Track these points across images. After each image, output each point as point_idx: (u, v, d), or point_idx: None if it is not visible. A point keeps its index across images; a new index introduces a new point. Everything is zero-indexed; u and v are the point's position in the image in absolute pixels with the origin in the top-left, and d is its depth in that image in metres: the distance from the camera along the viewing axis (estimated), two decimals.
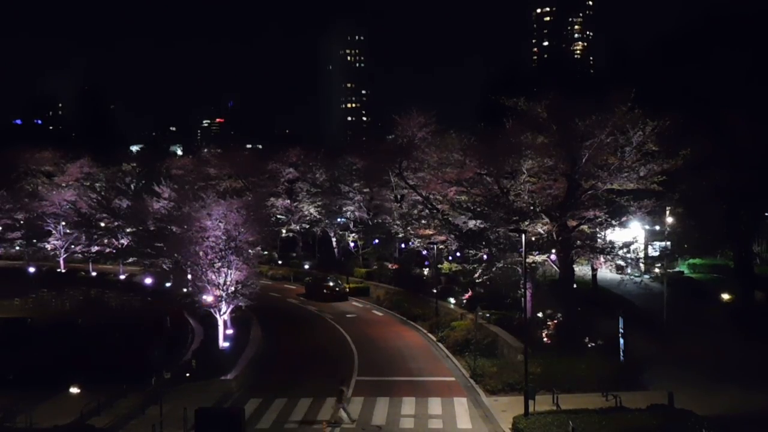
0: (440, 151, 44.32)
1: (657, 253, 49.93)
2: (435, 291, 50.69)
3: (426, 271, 62.88)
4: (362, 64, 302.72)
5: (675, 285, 48.75)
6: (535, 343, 35.31)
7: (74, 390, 30.84)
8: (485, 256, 40.93)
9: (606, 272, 54.37)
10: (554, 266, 40.01)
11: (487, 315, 42.70)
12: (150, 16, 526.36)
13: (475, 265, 40.93)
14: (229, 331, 42.52)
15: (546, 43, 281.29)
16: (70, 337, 43.56)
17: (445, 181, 42.96)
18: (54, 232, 76.76)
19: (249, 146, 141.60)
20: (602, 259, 40.03)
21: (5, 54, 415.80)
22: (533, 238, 38.35)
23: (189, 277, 45.97)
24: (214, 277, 40.52)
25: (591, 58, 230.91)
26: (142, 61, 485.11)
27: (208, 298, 40.83)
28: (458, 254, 54.83)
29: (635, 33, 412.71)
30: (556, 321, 39.43)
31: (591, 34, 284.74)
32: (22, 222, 79.19)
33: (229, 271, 40.69)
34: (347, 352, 41.95)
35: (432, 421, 28.75)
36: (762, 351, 35.81)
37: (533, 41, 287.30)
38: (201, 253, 41.14)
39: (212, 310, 41.10)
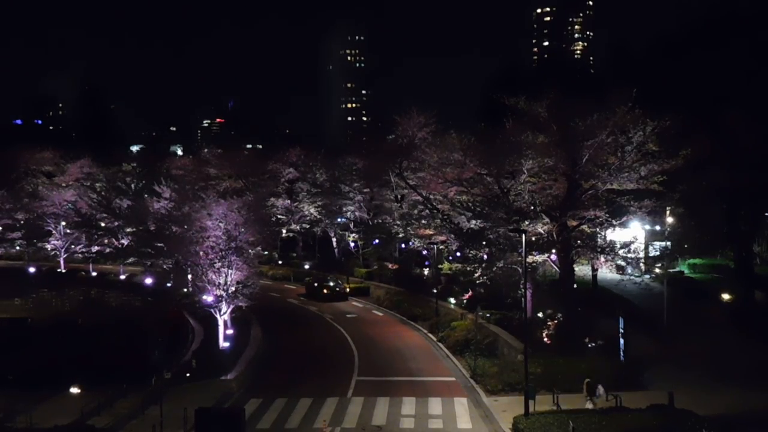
0: (440, 151, 44.29)
1: (657, 253, 49.82)
2: (435, 291, 50.68)
3: (426, 271, 62.87)
4: (362, 64, 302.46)
5: (675, 285, 48.73)
6: (535, 343, 35.31)
7: (74, 390, 30.86)
8: (485, 256, 40.92)
9: (606, 272, 54.34)
10: (554, 266, 39.99)
11: (487, 315, 42.71)
12: (150, 16, 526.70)
13: (475, 265, 40.91)
14: (230, 331, 42.53)
15: (546, 43, 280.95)
16: (70, 337, 43.54)
17: (445, 181, 42.95)
18: (54, 232, 76.80)
19: (249, 146, 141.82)
20: (602, 259, 40.02)
21: (5, 54, 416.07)
22: (533, 238, 38.34)
23: (189, 277, 46.11)
24: (214, 277, 40.54)
25: (591, 58, 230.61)
26: (142, 61, 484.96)
27: (209, 298, 40.84)
28: (458, 254, 54.82)
29: (635, 33, 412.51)
30: (556, 321, 39.41)
31: (591, 34, 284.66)
32: (22, 222, 79.22)
33: (230, 271, 40.72)
34: (347, 352, 41.96)
35: (432, 421, 28.77)
36: (762, 351, 35.82)
37: (533, 41, 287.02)
38: (201, 253, 41.19)
39: (212, 310, 41.11)
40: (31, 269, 77.52)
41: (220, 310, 40.82)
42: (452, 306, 49.84)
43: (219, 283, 40.53)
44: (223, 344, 41.04)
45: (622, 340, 34.28)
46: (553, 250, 38.63)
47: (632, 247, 39.37)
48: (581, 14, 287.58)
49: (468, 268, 43.46)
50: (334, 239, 78.98)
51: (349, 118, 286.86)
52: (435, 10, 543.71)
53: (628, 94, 35.50)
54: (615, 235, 43.49)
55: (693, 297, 49.20)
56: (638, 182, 36.98)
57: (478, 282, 43.30)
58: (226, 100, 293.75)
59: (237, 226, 41.11)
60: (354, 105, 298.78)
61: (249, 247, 42.59)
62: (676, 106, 38.01)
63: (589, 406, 27.87)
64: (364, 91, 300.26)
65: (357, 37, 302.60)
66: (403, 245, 69.33)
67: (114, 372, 32.87)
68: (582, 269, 50.90)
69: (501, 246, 38.66)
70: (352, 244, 78.26)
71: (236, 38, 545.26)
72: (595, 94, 37.94)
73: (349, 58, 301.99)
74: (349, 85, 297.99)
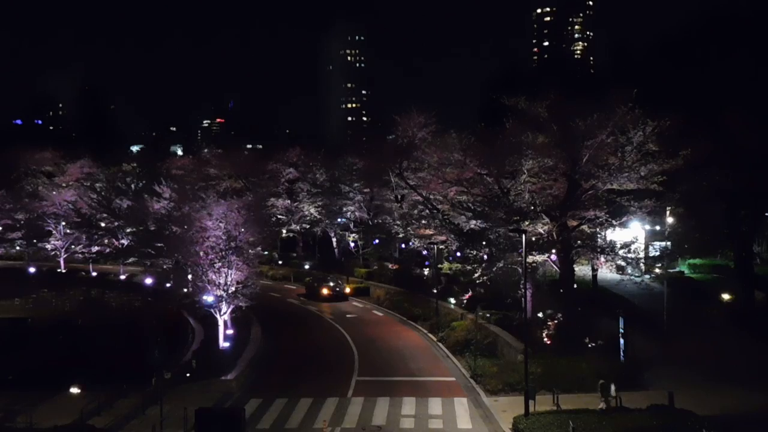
0: (440, 151, 44.31)
1: (657, 253, 49.78)
2: (435, 291, 50.67)
3: (426, 271, 62.87)
4: (362, 64, 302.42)
5: (675, 285, 48.66)
6: (536, 343, 35.31)
7: (74, 390, 30.90)
8: (485, 256, 40.92)
9: (606, 272, 54.22)
10: (554, 266, 39.99)
11: (487, 315, 42.70)
12: (151, 16, 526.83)
13: (475, 265, 40.92)
14: (230, 331, 42.53)
15: (546, 43, 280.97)
16: (70, 337, 43.60)
17: (445, 181, 42.96)
18: (54, 232, 76.83)
19: (249, 146, 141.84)
20: (602, 259, 40.00)
21: (5, 54, 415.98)
22: (533, 238, 38.32)
23: (189, 277, 46.02)
24: (214, 277, 40.53)
25: (591, 58, 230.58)
26: (142, 61, 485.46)
27: (209, 298, 40.83)
28: (458, 254, 54.80)
29: (635, 33, 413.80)
30: (556, 321, 39.41)
31: (591, 34, 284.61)
32: (22, 222, 79.24)
33: (230, 271, 40.70)
34: (347, 352, 41.94)
35: (432, 421, 28.75)
36: (762, 351, 35.82)
37: (533, 41, 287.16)
38: (201, 253, 41.15)
39: (212, 310, 41.10)
40: (31, 269, 77.59)
41: (220, 310, 40.81)
42: (452, 306, 49.84)
43: (219, 283, 40.51)
44: (223, 344, 41.03)
45: (622, 340, 34.27)
46: (553, 250, 38.63)
47: (632, 247, 39.30)
48: (581, 14, 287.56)
49: (468, 268, 43.48)
50: (334, 239, 79.00)
51: (349, 118, 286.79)
52: (435, 10, 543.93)
53: (629, 95, 35.50)
54: (615, 235, 43.47)
55: (693, 297, 49.17)
56: (638, 182, 36.97)
57: (478, 282, 43.29)
58: (227, 100, 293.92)
59: (237, 226, 41.09)
60: (354, 105, 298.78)
61: (249, 247, 42.57)
62: (676, 106, 37.98)
63: (602, 406, 27.89)
64: (364, 91, 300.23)
65: (357, 37, 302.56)
66: (403, 245, 69.33)
67: (114, 372, 32.88)
68: (582, 269, 50.89)
69: (501, 246, 38.66)
70: (352, 244, 78.28)
71: (236, 38, 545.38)
72: (595, 95, 37.94)
73: (349, 58, 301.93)
74: (349, 85, 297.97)
